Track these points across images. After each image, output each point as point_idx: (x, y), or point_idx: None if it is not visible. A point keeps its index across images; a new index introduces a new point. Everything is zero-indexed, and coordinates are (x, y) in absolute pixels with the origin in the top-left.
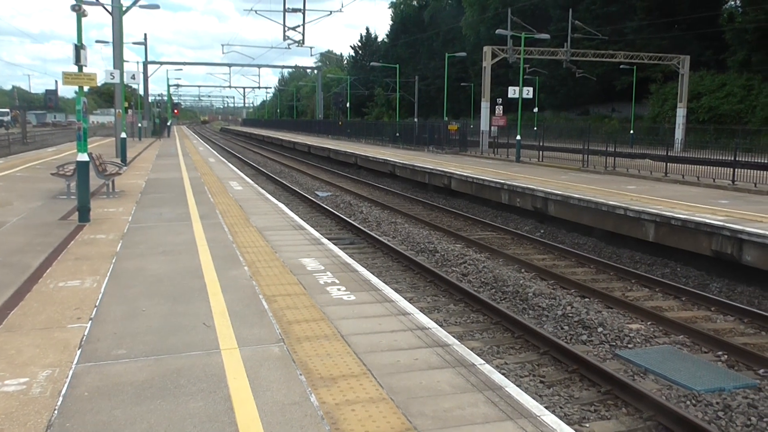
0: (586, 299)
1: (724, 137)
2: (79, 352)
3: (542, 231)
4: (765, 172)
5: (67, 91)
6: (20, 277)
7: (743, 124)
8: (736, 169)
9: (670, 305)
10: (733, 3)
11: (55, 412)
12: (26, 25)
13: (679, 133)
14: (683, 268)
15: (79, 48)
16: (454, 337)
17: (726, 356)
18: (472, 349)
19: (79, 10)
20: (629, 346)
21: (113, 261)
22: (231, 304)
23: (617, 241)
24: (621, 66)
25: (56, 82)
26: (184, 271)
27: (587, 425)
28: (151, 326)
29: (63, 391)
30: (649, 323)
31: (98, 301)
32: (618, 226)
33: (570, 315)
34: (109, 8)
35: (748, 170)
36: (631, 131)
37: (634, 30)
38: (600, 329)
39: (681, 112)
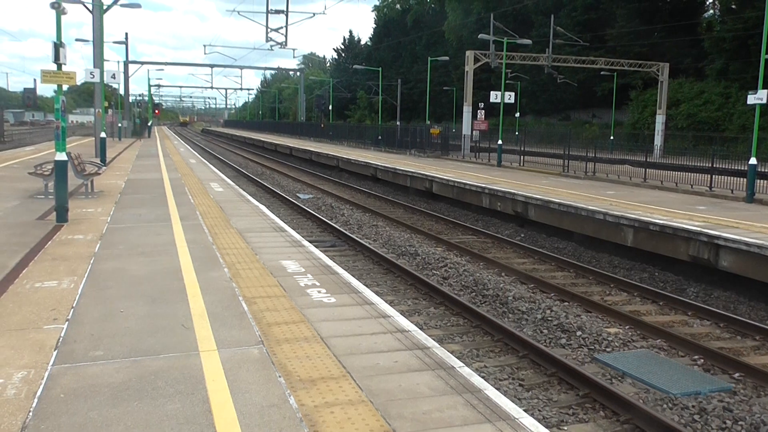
0: (566, 303)
1: (702, 144)
2: (55, 354)
3: (522, 235)
4: (741, 178)
5: (46, 90)
6: None
7: (721, 131)
8: (713, 176)
9: (647, 309)
10: (711, 12)
11: (30, 413)
12: (4, 23)
13: (658, 140)
14: (661, 273)
15: (58, 46)
16: (434, 340)
17: (702, 360)
18: (451, 352)
19: (58, 8)
20: (607, 350)
21: (91, 262)
22: (210, 305)
23: (597, 245)
24: (602, 72)
25: (35, 80)
26: (164, 272)
27: (565, 428)
28: (129, 327)
29: (38, 393)
30: (627, 327)
31: (75, 302)
32: (597, 231)
33: (549, 318)
34: (90, 6)
35: (725, 177)
36: (611, 137)
37: (614, 37)
38: (579, 333)
39: (660, 119)
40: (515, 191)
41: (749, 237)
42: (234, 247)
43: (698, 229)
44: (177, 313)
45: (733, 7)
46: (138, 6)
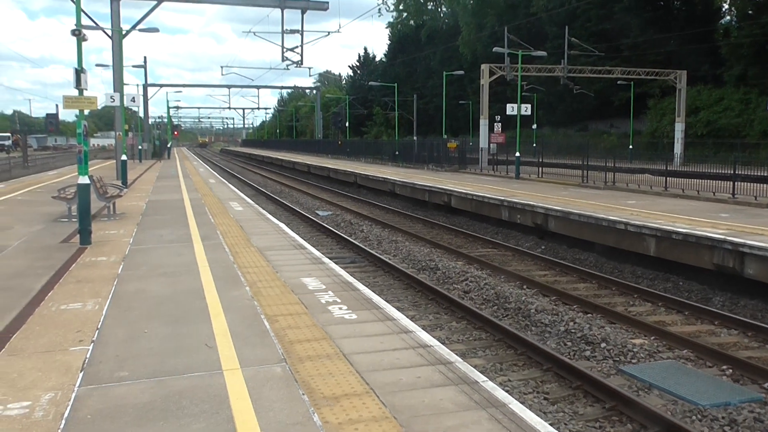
0: (589, 315)
1: (723, 151)
2: (81, 375)
3: (543, 247)
4: (765, 185)
5: (67, 115)
6: (22, 300)
7: (741, 137)
8: (735, 183)
9: (673, 320)
10: (728, 18)
11: None
12: (26, 50)
13: (678, 148)
14: (685, 282)
15: (79, 72)
16: (456, 354)
17: (731, 370)
18: (474, 367)
19: (79, 35)
20: (633, 361)
21: (115, 283)
22: (233, 324)
23: (618, 256)
24: (618, 82)
25: (57, 106)
26: (186, 292)
27: None
28: (152, 348)
29: (66, 414)
30: (652, 338)
31: (100, 323)
32: (619, 241)
33: (573, 331)
34: (109, 32)
35: (748, 183)
36: (630, 146)
37: (630, 46)
38: (603, 345)
39: (679, 127)
40: (534, 203)
41: None
42: (255, 266)
43: (722, 237)
44: (200, 332)
45: (750, 12)
46: (156, 30)
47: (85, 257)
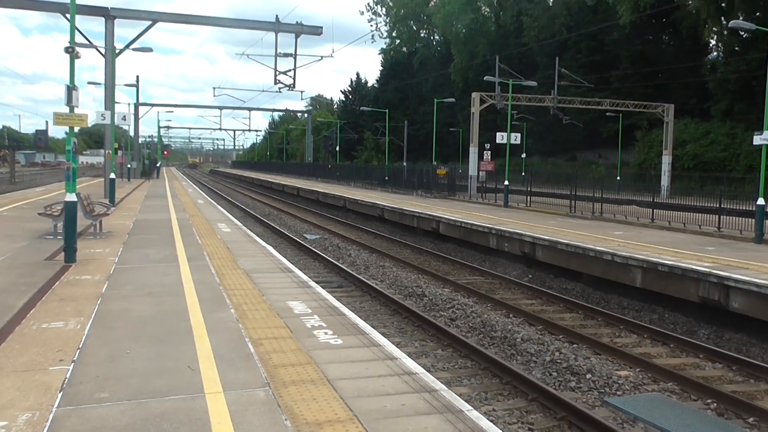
0: (575, 345)
1: (709, 184)
2: (60, 395)
3: (530, 276)
4: (750, 219)
5: (57, 132)
6: (2, 318)
7: (728, 171)
8: (721, 216)
9: (658, 352)
10: (715, 54)
11: None
12: (19, 66)
13: (665, 180)
14: (671, 314)
15: (71, 89)
16: (441, 382)
17: (715, 404)
18: (459, 395)
19: (72, 52)
20: (618, 393)
21: (98, 302)
22: (217, 347)
23: (605, 286)
24: (607, 113)
25: (47, 122)
26: (171, 313)
27: None
28: (135, 369)
29: None
30: (637, 370)
31: (82, 342)
32: (605, 272)
33: (558, 361)
34: (103, 50)
35: (734, 217)
36: (618, 177)
37: (619, 78)
38: (588, 376)
39: (666, 159)
40: (522, 231)
41: (760, 278)
42: (241, 288)
43: (708, 270)
44: (183, 354)
45: (737, 49)
46: (150, 50)
47: (69, 275)
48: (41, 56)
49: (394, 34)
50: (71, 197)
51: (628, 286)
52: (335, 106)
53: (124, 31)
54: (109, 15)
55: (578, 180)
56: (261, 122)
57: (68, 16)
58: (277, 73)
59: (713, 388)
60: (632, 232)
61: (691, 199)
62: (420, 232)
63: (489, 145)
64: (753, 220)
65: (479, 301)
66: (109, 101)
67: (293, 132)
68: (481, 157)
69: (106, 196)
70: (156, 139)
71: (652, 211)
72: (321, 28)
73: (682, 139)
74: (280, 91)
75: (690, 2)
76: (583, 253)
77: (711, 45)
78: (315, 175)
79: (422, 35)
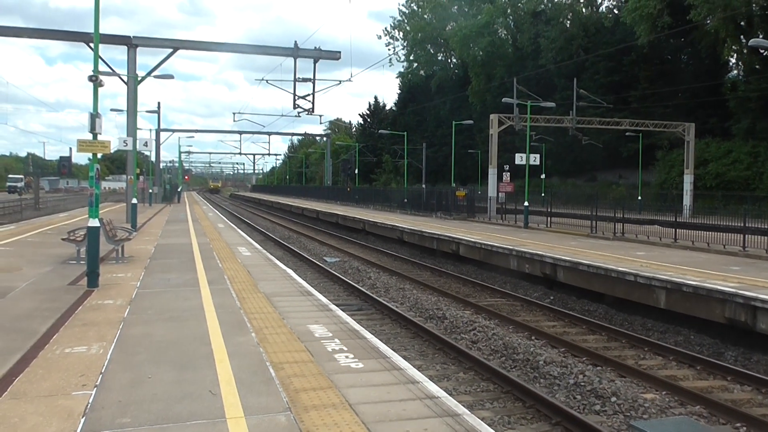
0: (599, 367)
1: (732, 203)
2: (83, 420)
3: (552, 297)
4: None
5: (80, 158)
6: (27, 343)
7: (751, 190)
8: (746, 236)
9: (684, 374)
10: (735, 72)
11: None
12: (43, 94)
13: (687, 199)
14: (696, 336)
15: (94, 116)
16: (464, 406)
17: (745, 428)
18: (482, 419)
19: (96, 80)
20: (644, 416)
21: (120, 327)
22: (238, 371)
23: (628, 307)
24: (627, 133)
25: (70, 149)
26: (192, 337)
27: None
28: (156, 394)
29: None
30: (663, 393)
31: (104, 367)
32: (629, 293)
33: (582, 384)
34: (125, 78)
35: (759, 236)
36: (639, 197)
37: (638, 98)
38: (613, 399)
39: (688, 179)
40: (543, 253)
41: None
42: (261, 312)
43: (733, 290)
44: (205, 379)
45: (757, 67)
46: (171, 77)
47: (91, 300)
48: (65, 84)
49: (411, 58)
50: (94, 223)
51: (651, 308)
52: (354, 129)
53: (146, 59)
54: (131, 43)
55: (599, 200)
56: (280, 146)
57: (92, 45)
58: (296, 97)
59: (742, 411)
60: (655, 252)
61: (714, 218)
62: (440, 254)
63: (508, 166)
64: None
65: (500, 323)
66: (131, 128)
67: (312, 155)
68: (500, 178)
69: (128, 221)
70: (177, 164)
71: (675, 230)
72: (339, 53)
73: (704, 158)
74: (299, 116)
75: (708, 22)
76: (606, 273)
77: (731, 63)
78: (334, 198)
79: (440, 58)
